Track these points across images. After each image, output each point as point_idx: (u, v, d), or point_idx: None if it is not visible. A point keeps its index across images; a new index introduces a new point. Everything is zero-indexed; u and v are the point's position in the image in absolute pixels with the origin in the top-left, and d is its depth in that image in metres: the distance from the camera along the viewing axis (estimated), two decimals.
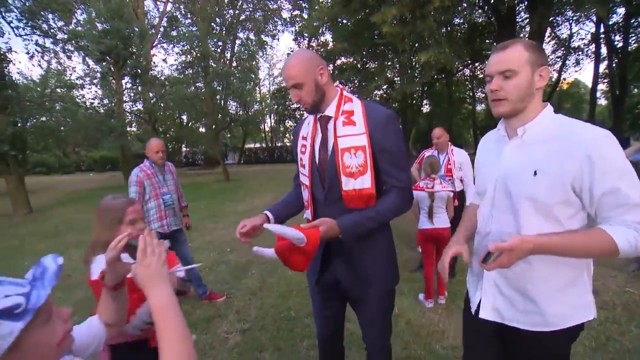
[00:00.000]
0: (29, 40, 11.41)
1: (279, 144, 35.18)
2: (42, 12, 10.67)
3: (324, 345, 1.68)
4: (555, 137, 1.04)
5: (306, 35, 18.03)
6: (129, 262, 0.97)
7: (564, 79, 23.07)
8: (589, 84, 19.85)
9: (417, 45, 9.33)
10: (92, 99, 14.60)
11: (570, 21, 18.63)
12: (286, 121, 29.09)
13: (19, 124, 10.38)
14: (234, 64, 24.08)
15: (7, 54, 10.30)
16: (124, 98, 16.53)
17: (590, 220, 1.08)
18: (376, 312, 1.50)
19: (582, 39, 19.88)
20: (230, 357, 2.53)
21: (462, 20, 12.24)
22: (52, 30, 11.60)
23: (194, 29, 20.63)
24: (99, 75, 13.80)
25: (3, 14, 10.25)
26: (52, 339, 0.68)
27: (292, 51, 22.47)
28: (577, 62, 20.90)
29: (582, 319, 1.10)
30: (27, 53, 11.88)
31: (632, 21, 15.86)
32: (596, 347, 2.47)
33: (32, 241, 6.45)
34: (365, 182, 1.33)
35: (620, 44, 17.11)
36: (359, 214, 1.34)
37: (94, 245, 1.39)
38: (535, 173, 1.04)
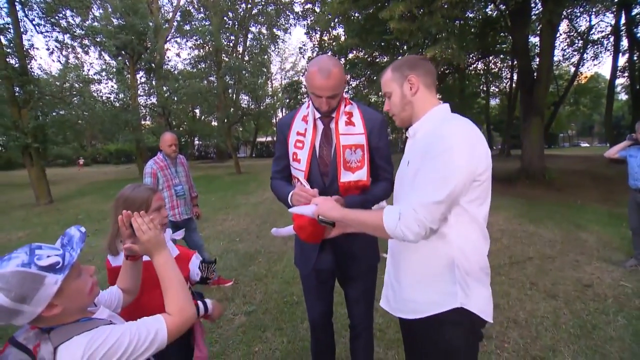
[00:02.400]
0: (49, 36, 11.83)
1: None
2: (60, 8, 11.03)
3: (318, 322, 1.87)
4: (430, 133, 1.14)
5: (318, 29, 17.98)
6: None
7: (581, 72, 22.41)
8: (608, 78, 19.24)
9: (427, 40, 9.31)
10: (109, 93, 15.03)
11: (590, 13, 18.09)
12: None
13: (40, 118, 10.85)
14: (246, 57, 24.24)
15: (29, 50, 10.74)
16: (139, 92, 16.95)
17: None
18: (363, 287, 1.73)
19: (602, 31, 19.28)
20: (235, 335, 2.74)
21: (474, 15, 12.08)
22: (71, 27, 11.98)
23: (206, 23, 20.86)
24: (114, 69, 14.18)
25: (26, 12, 10.65)
26: (84, 287, 0.89)
27: (304, 45, 22.50)
28: (596, 56, 20.31)
29: (445, 307, 1.10)
30: (47, 49, 12.33)
31: None
32: (580, 334, 2.58)
33: (54, 229, 6.83)
34: (362, 175, 1.58)
35: None
36: (362, 197, 1.60)
37: (115, 234, 1.44)
38: (408, 163, 1.20)
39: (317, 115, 1.59)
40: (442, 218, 1.06)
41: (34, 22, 11.02)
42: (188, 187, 3.61)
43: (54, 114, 12.89)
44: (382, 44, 12.55)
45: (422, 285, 1.16)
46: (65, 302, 0.83)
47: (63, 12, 11.49)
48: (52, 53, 12.48)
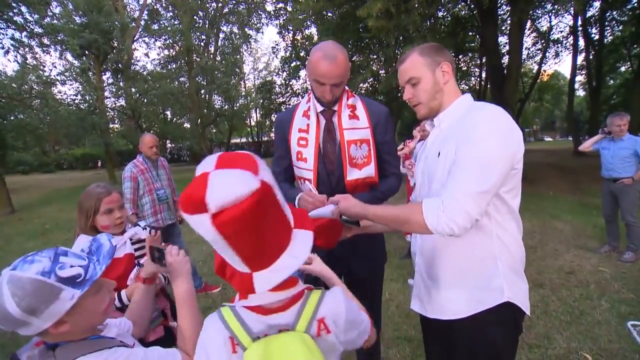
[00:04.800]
0: (3, 34, 11.02)
1: (266, 139, 35.00)
2: (14, 4, 10.27)
3: None
4: (458, 122, 1.08)
5: (290, 28, 17.87)
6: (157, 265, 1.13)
7: (544, 70, 23.63)
8: (568, 76, 20.41)
9: (402, 38, 9.44)
10: (74, 95, 14.22)
11: (550, 14, 19.09)
12: (272, 115, 28.96)
13: None
14: (218, 58, 23.77)
15: None
16: (106, 94, 16.16)
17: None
18: (371, 287, 1.67)
19: (561, 31, 20.41)
20: None
21: (445, 14, 12.40)
22: (27, 24, 11.20)
23: (176, 22, 20.23)
24: (78, 70, 13.42)
25: None
26: (100, 306, 0.82)
27: (276, 44, 22.30)
28: (557, 55, 21.46)
29: (489, 304, 1.05)
30: (2, 48, 11.46)
31: (607, 14, 16.38)
32: (570, 320, 2.67)
33: (19, 240, 6.34)
34: (370, 172, 1.49)
35: (597, 37, 17.67)
36: (370, 194, 1.52)
37: (77, 229, 1.55)
38: (439, 154, 1.10)
39: (319, 108, 1.50)
40: (486, 209, 0.99)
41: None
42: (170, 190, 3.44)
43: (12, 118, 12.04)
44: (357, 43, 12.63)
45: (463, 282, 1.09)
46: (76, 320, 0.77)
47: (18, 8, 10.72)
48: (7, 52, 11.62)
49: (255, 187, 0.61)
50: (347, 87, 1.55)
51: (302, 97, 1.67)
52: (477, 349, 1.08)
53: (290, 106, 1.66)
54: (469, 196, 0.94)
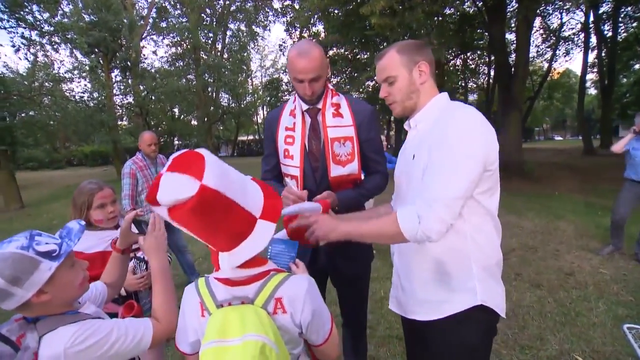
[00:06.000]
0: (14, 32, 11.22)
1: None
2: (26, 3, 10.46)
3: None
4: (433, 124, 1.08)
5: (297, 26, 17.84)
6: (136, 232, 1.23)
7: (554, 68, 23.22)
8: (580, 74, 20.04)
9: (407, 36, 9.38)
10: (82, 92, 14.43)
11: (561, 10, 18.74)
12: None
13: (7, 119, 10.29)
14: (225, 55, 23.88)
15: None
16: (114, 91, 16.38)
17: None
18: (357, 286, 1.69)
19: (572, 28, 20.02)
20: None
21: (452, 11, 12.28)
22: (38, 23, 11.39)
23: (184, 20, 20.37)
24: (87, 68, 13.62)
25: None
26: (75, 279, 0.92)
27: (284, 42, 22.32)
28: (567, 52, 21.07)
29: (462, 306, 1.05)
30: (13, 46, 11.68)
31: (621, 10, 15.98)
32: (565, 322, 2.65)
33: None
34: (354, 169, 1.52)
35: (610, 33, 17.27)
36: (355, 191, 1.53)
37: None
38: (413, 157, 1.11)
39: (305, 107, 1.52)
40: (461, 211, 1.00)
41: None
42: None
43: (22, 115, 12.28)
44: (363, 40, 12.57)
45: (437, 284, 1.08)
46: (55, 291, 0.85)
47: (29, 7, 10.91)
48: (18, 50, 11.83)
49: (194, 192, 0.70)
50: (331, 87, 1.57)
51: None
52: (450, 351, 1.08)
53: (278, 107, 1.68)
54: (442, 202, 0.95)
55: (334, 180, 1.50)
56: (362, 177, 1.60)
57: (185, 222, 0.73)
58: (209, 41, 23.21)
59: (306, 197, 1.36)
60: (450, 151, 0.97)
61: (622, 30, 17.32)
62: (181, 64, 22.11)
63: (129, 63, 16.32)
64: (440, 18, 11.58)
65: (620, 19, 16.70)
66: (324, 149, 1.50)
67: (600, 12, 16.57)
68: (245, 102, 28.06)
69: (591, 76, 23.16)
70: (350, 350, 1.81)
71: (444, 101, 1.13)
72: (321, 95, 1.49)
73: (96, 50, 14.45)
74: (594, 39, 18.02)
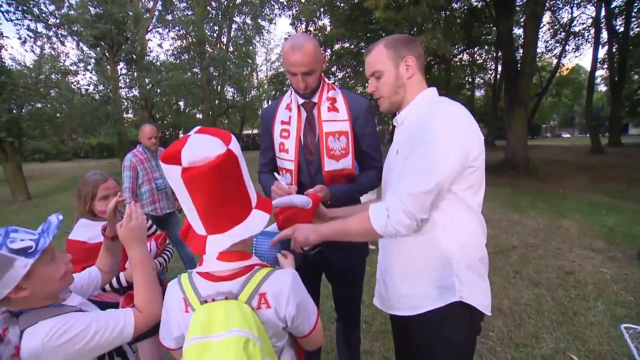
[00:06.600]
0: (20, 25, 11.28)
1: None
2: None
3: None
4: (417, 120, 1.08)
5: (303, 19, 17.73)
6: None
7: (563, 64, 22.84)
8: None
9: (413, 30, 9.28)
10: (87, 85, 14.50)
11: (572, 5, 18.37)
12: None
13: (14, 111, 10.39)
14: (231, 48, 23.83)
15: None
16: (120, 84, 16.43)
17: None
18: (351, 281, 1.68)
19: (583, 23, 19.63)
20: None
21: (459, 5, 12.12)
22: (43, 15, 11.44)
23: (189, 13, 20.32)
24: (93, 60, 13.67)
25: None
26: (55, 273, 0.90)
27: (289, 35, 22.20)
28: (577, 48, 20.69)
29: (441, 302, 1.04)
30: (19, 38, 11.75)
31: (635, 4, 15.58)
32: (562, 320, 2.63)
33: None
34: (347, 163, 1.52)
35: (622, 29, 16.88)
36: (348, 186, 1.53)
37: (76, 214, 1.66)
38: (397, 152, 1.12)
39: (300, 101, 1.52)
40: (433, 207, 0.98)
41: (2, 9, 10.47)
42: None
43: (29, 106, 12.38)
44: (368, 34, 12.47)
45: (416, 279, 1.08)
46: (35, 286, 0.85)
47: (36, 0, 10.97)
48: (24, 42, 11.91)
49: (222, 151, 0.75)
50: (328, 81, 1.56)
51: None
52: (432, 346, 1.08)
53: (275, 101, 1.68)
54: (411, 196, 0.95)
55: (328, 174, 1.50)
56: (357, 172, 1.59)
57: (200, 182, 0.74)
58: (215, 34, 23.16)
59: (295, 191, 1.36)
60: (426, 146, 0.96)
61: (635, 26, 16.93)
62: (186, 57, 22.10)
63: (134, 56, 16.32)
64: (447, 12, 11.43)
65: (633, 14, 16.32)
66: (318, 143, 1.50)
67: (613, 6, 16.21)
68: (250, 95, 28.03)
69: (601, 72, 22.78)
70: (343, 344, 1.81)
71: (431, 96, 1.12)
72: (317, 89, 1.49)
73: (102, 42, 14.45)
74: (604, 35, 17.66)
